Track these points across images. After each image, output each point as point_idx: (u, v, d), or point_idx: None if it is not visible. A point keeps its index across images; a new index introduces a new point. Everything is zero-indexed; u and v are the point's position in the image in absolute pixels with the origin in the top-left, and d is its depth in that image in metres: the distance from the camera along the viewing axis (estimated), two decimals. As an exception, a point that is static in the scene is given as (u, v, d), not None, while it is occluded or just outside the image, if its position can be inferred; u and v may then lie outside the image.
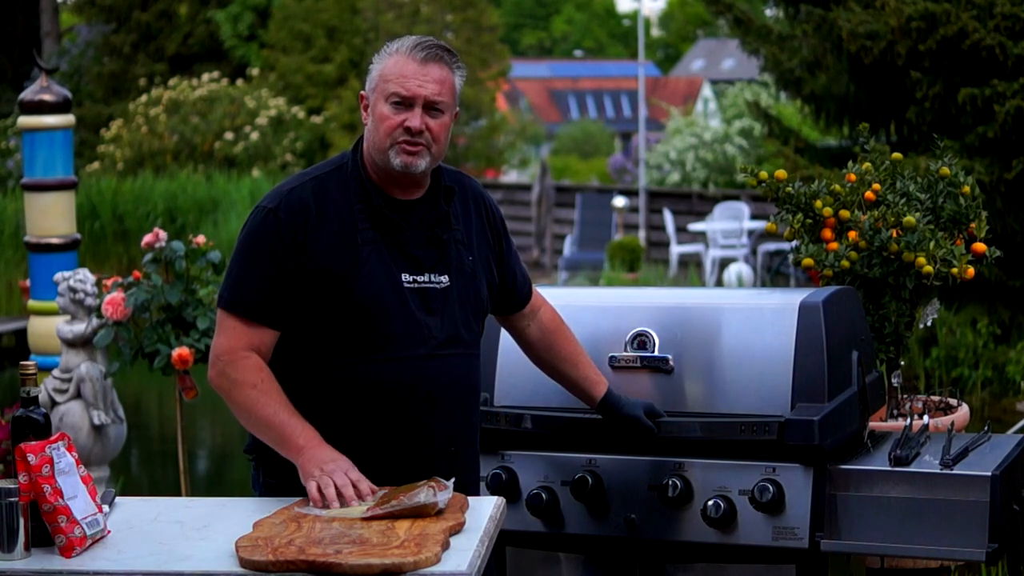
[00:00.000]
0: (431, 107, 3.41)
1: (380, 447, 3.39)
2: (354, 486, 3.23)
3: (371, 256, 3.41)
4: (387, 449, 3.40)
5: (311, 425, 3.34)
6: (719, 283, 17.52)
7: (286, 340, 3.46)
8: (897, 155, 4.63)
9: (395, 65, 3.43)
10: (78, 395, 6.89)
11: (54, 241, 7.80)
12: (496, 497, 3.38)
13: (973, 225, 4.50)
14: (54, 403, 6.89)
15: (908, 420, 4.14)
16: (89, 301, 6.75)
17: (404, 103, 3.41)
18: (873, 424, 4.20)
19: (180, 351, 5.98)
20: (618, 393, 3.86)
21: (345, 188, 3.46)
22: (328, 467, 3.26)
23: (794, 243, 4.53)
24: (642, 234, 21.14)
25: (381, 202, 3.45)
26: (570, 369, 3.84)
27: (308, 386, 3.42)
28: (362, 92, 3.52)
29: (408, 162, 3.41)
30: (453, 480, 3.23)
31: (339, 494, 3.21)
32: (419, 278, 3.44)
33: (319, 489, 3.22)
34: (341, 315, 3.39)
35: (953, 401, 4.55)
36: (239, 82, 26.37)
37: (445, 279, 3.47)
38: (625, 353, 3.98)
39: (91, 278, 6.83)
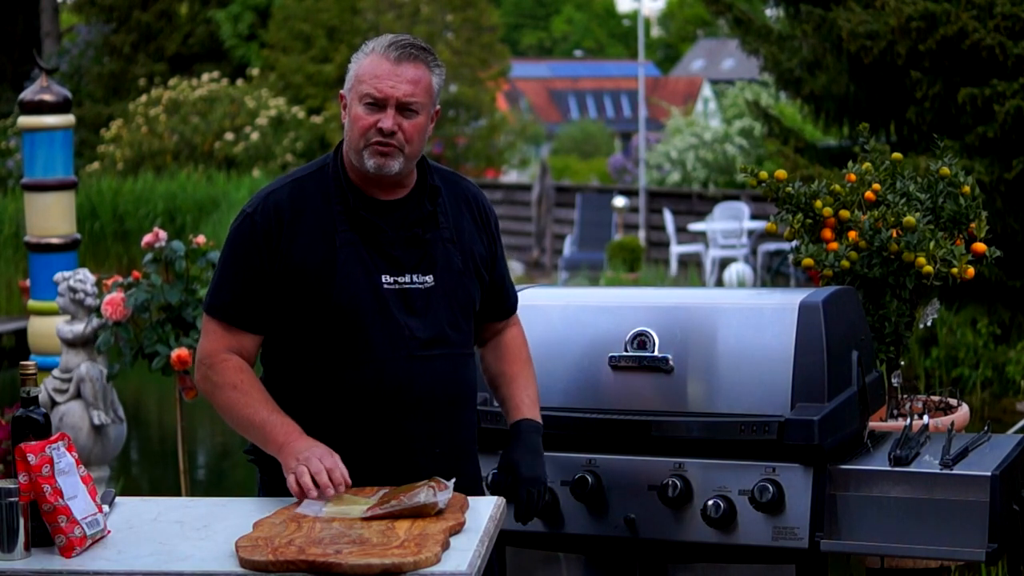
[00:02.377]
0: (404, 108, 3.38)
1: (365, 449, 3.39)
2: (329, 473, 3.22)
3: (350, 258, 3.40)
4: (372, 451, 3.40)
5: (292, 420, 3.35)
6: (719, 283, 17.52)
7: (273, 345, 3.47)
8: (897, 155, 4.63)
9: (369, 65, 3.40)
10: (78, 395, 6.89)
11: (54, 241, 7.80)
12: (496, 497, 3.38)
13: (973, 225, 4.50)
14: (54, 403, 6.89)
15: (908, 420, 4.14)
16: (89, 301, 6.75)
17: (377, 104, 3.38)
18: (873, 424, 4.20)
19: (180, 351, 5.98)
20: (523, 433, 3.59)
21: (325, 190, 3.45)
22: (303, 455, 3.26)
23: (794, 243, 4.53)
24: (642, 234, 21.14)
25: (359, 203, 3.43)
26: (504, 385, 3.70)
27: (295, 390, 3.43)
28: (341, 92, 3.50)
29: (380, 164, 3.40)
30: (454, 480, 3.23)
31: (315, 483, 3.21)
32: (400, 279, 3.43)
33: (297, 481, 3.22)
34: (319, 318, 3.39)
35: (953, 401, 4.55)
36: (239, 82, 26.38)
37: (430, 279, 3.45)
38: (625, 353, 3.98)
39: (91, 278, 6.83)
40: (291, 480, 3.25)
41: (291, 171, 3.58)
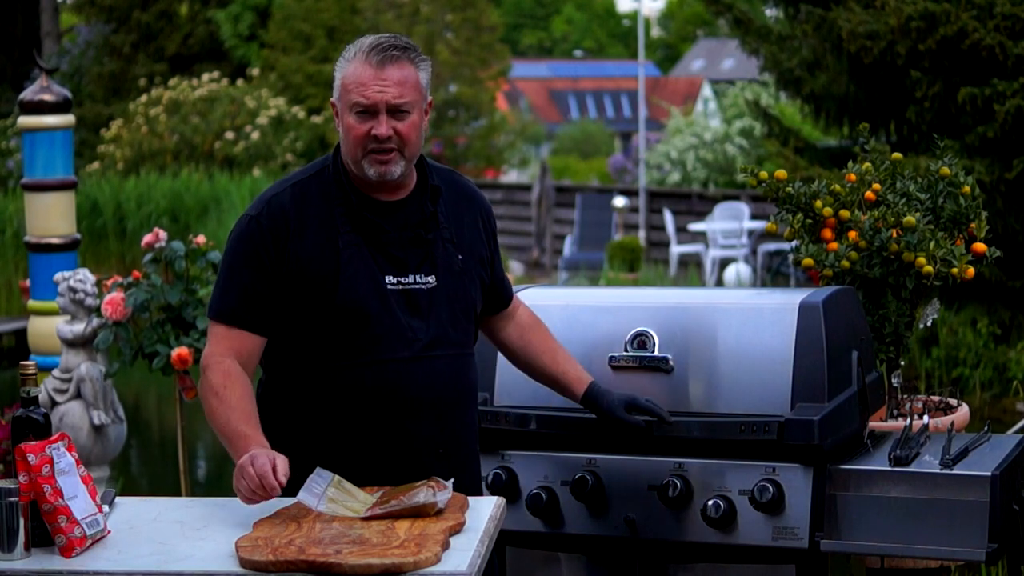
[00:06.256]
0: (396, 110, 3.38)
1: (368, 450, 3.39)
2: (261, 476, 3.14)
3: (353, 259, 3.40)
4: (376, 452, 3.40)
5: (259, 434, 3.28)
6: (719, 283, 17.52)
7: (275, 347, 3.46)
8: (897, 155, 4.63)
9: (353, 73, 3.41)
10: (78, 395, 6.89)
11: (54, 241, 7.80)
12: (496, 497, 3.38)
13: (973, 225, 4.49)
14: (54, 403, 6.89)
15: (908, 420, 4.14)
16: (89, 301, 6.75)
17: (367, 111, 3.38)
18: (873, 424, 4.20)
19: (180, 351, 5.98)
20: (601, 388, 3.79)
21: (327, 192, 3.45)
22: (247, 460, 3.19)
23: (794, 243, 4.53)
24: (642, 234, 21.14)
25: (361, 204, 3.43)
26: (548, 364, 3.79)
27: (298, 392, 3.43)
28: (332, 100, 3.50)
29: (382, 171, 3.40)
30: (453, 480, 3.24)
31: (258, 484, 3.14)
32: (404, 279, 3.43)
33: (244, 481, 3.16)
34: (324, 319, 3.39)
35: (953, 401, 4.55)
36: (239, 82, 26.37)
37: (432, 279, 3.45)
38: (625, 353, 3.98)
39: (91, 278, 6.83)
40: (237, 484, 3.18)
41: (290, 174, 3.58)
